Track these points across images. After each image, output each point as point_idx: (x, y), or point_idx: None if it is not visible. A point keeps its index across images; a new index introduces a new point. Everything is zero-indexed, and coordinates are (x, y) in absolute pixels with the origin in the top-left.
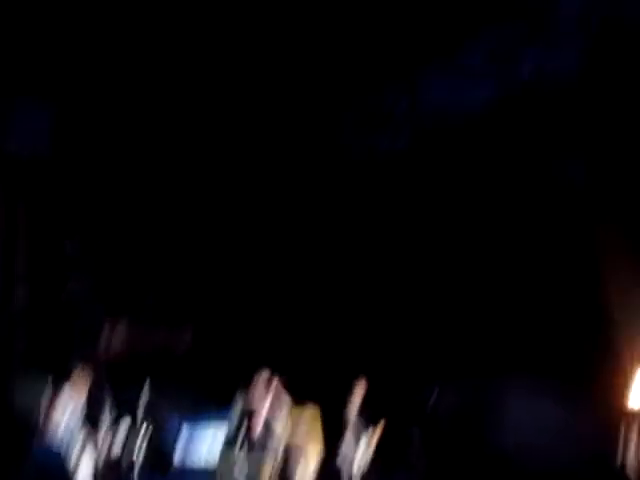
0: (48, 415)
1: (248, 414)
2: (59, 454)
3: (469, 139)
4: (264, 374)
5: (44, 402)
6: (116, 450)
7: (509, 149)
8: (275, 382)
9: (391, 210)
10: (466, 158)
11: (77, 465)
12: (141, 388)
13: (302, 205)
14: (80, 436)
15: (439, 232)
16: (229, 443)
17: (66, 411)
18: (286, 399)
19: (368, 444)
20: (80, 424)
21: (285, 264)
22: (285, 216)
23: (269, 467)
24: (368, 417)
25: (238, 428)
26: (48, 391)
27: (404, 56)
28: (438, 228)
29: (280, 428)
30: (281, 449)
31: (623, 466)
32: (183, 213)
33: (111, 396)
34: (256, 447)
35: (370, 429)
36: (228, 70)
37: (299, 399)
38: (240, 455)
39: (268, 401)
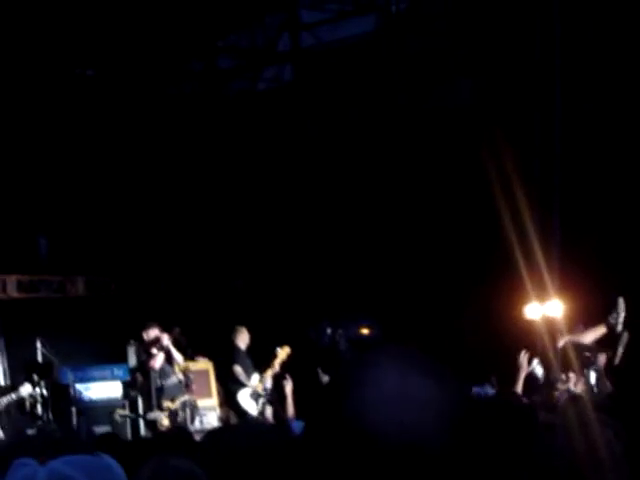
0: None
1: (145, 358)
2: None
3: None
4: (155, 327)
5: None
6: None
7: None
8: (167, 335)
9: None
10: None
11: None
12: (34, 344)
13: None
14: None
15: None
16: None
17: None
18: (178, 355)
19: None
20: None
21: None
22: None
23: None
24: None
25: (135, 373)
26: None
27: None
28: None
29: (175, 376)
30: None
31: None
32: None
33: (5, 353)
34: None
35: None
36: None
37: (191, 354)
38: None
39: (161, 350)
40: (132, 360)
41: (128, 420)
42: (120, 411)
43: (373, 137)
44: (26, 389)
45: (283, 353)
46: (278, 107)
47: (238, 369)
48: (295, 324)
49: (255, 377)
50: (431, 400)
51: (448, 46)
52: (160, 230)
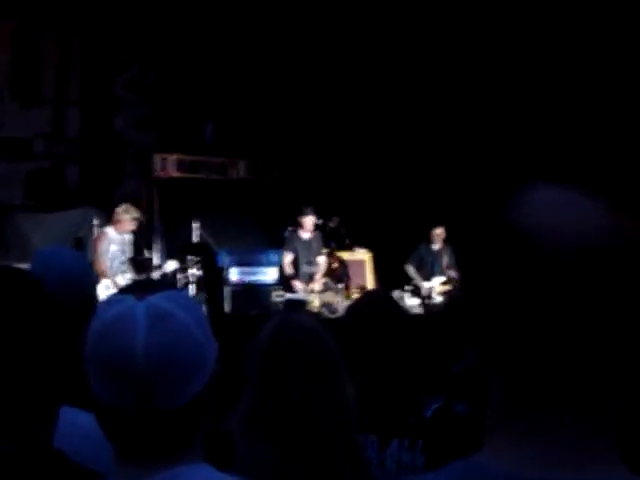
0: (95, 249)
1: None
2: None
3: None
4: (312, 213)
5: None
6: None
7: None
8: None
9: None
10: None
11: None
12: (191, 226)
13: None
14: (127, 274)
15: None
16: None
17: (113, 245)
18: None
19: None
20: (125, 260)
21: None
22: None
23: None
24: None
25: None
26: (97, 224)
27: None
28: None
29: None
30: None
31: None
32: None
33: (162, 232)
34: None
35: None
36: None
37: (349, 243)
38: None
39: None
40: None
41: (280, 303)
42: (276, 292)
43: None
44: (170, 265)
45: None
46: None
47: (410, 269)
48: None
49: (436, 280)
50: (589, 214)
51: None
52: (328, 121)
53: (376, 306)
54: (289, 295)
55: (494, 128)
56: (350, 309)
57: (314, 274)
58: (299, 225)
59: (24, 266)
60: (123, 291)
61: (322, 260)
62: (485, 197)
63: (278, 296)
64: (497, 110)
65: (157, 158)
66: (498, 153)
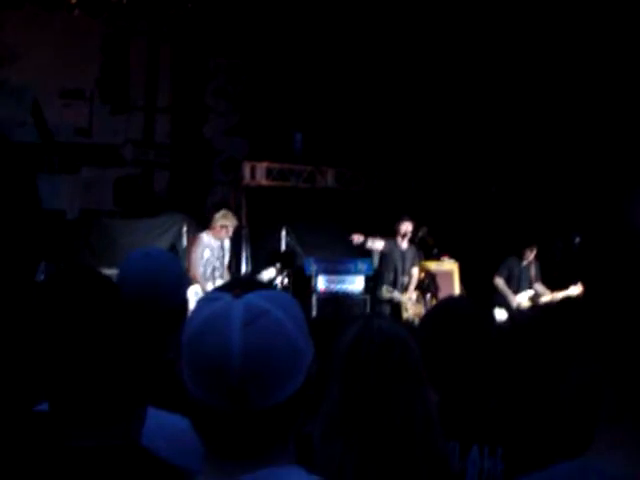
0: (189, 255)
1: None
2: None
3: None
4: (410, 221)
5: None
6: None
7: None
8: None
9: None
10: None
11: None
12: (279, 233)
13: None
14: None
15: None
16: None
17: (207, 251)
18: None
19: None
20: (219, 267)
21: None
22: None
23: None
24: None
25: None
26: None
27: None
28: None
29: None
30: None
31: None
32: None
33: (249, 240)
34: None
35: None
36: None
37: (437, 253)
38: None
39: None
40: (375, 255)
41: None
42: (386, 286)
43: None
44: (269, 273)
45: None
46: None
47: (500, 283)
48: (544, 233)
49: (524, 295)
50: None
51: None
52: (418, 130)
53: (457, 312)
54: (396, 294)
55: (598, 134)
56: (431, 315)
57: (408, 284)
58: (396, 233)
59: (112, 272)
60: (221, 289)
61: (415, 271)
62: (603, 201)
63: (389, 291)
64: (602, 117)
65: (246, 166)
66: (607, 159)
